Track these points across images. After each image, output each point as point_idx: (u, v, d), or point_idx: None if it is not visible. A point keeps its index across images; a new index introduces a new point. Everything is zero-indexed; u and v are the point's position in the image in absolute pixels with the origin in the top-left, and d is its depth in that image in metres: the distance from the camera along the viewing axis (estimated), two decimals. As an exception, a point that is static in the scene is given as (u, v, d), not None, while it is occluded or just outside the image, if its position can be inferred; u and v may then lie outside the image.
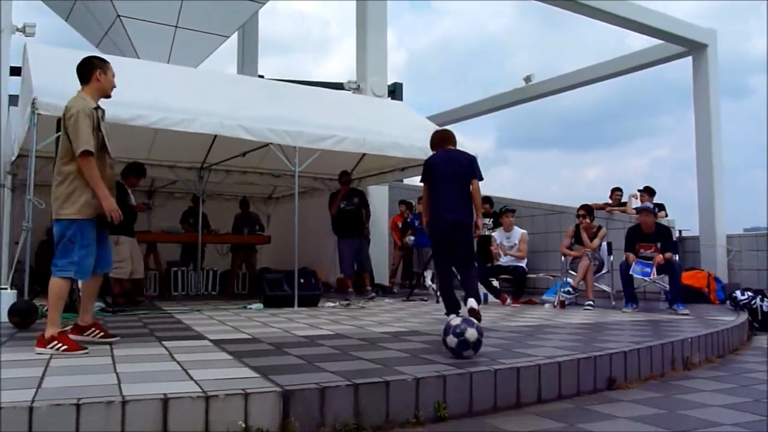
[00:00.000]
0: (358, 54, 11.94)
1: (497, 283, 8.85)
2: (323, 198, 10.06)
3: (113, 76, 4.23)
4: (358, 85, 11.67)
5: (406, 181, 12.36)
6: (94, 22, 12.97)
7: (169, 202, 11.80)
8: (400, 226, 11.79)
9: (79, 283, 4.96)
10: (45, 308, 5.55)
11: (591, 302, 7.74)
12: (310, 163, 7.71)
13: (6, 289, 6.00)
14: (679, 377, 4.21)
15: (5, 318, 5.29)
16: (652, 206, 8.24)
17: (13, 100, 8.48)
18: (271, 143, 7.44)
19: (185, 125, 6.73)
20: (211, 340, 4.45)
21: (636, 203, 10.05)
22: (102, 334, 4.28)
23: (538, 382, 3.44)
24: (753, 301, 7.50)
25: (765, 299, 7.44)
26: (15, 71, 8.70)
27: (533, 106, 17.13)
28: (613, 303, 7.88)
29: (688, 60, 12.44)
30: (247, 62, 17.90)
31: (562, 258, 8.52)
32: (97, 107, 4.08)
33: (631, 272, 7.33)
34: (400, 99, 16.79)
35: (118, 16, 12.13)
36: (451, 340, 3.54)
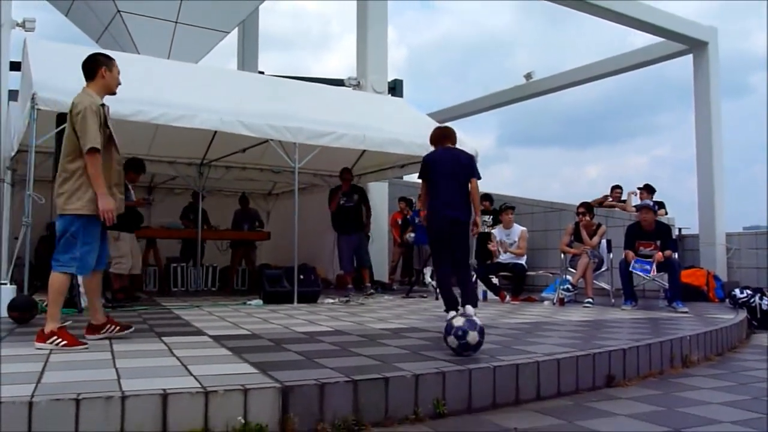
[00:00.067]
0: (358, 50, 11.92)
1: (497, 280, 8.86)
2: (323, 194, 10.06)
3: (118, 73, 4.23)
4: (359, 82, 11.67)
5: (406, 177, 12.36)
6: (94, 17, 12.96)
7: (169, 197, 11.81)
8: (399, 223, 11.78)
9: (79, 278, 4.97)
10: (45, 303, 5.57)
11: (590, 300, 7.74)
12: (310, 159, 7.71)
13: (5, 284, 6.00)
14: (678, 375, 4.22)
15: (5, 313, 5.29)
16: (652, 204, 8.24)
17: (13, 95, 8.47)
18: (271, 139, 7.44)
19: (185, 121, 6.73)
20: (210, 336, 4.46)
21: (636, 200, 10.06)
22: (118, 328, 4.30)
23: (537, 379, 3.45)
24: (752, 300, 7.50)
25: (764, 297, 7.45)
26: (15, 66, 8.70)
27: (534, 103, 17.12)
28: (613, 301, 7.88)
29: (689, 58, 12.42)
30: (248, 58, 17.91)
31: (562, 255, 8.53)
32: (103, 104, 4.09)
33: (630, 269, 7.33)
34: (401, 96, 16.76)
35: (118, 11, 12.13)
36: (452, 341, 3.53)
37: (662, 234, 7.54)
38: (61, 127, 5.61)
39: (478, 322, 3.60)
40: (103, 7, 12.40)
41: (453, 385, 3.13)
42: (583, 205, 8.54)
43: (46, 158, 6.86)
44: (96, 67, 4.13)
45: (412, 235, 10.56)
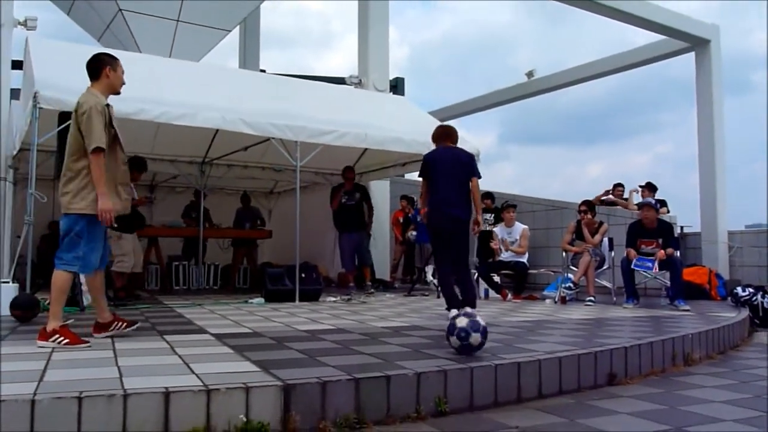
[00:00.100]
0: (360, 49, 11.92)
1: (498, 278, 8.86)
2: (325, 193, 10.06)
3: (122, 72, 4.25)
4: (360, 80, 11.66)
5: (408, 176, 12.36)
6: (95, 16, 12.97)
7: (171, 196, 11.81)
8: (401, 221, 11.78)
9: (82, 277, 4.98)
10: (47, 302, 5.58)
11: (592, 298, 7.74)
12: (311, 157, 7.71)
13: (8, 282, 6.01)
14: (679, 373, 4.21)
15: (7, 311, 5.29)
16: (653, 202, 8.24)
17: (15, 93, 8.47)
18: (272, 138, 7.44)
19: (187, 119, 6.73)
20: (212, 334, 4.46)
21: (637, 198, 10.05)
22: (125, 324, 4.32)
23: (539, 378, 3.45)
24: (754, 298, 7.50)
25: (766, 296, 7.45)
26: (17, 65, 8.70)
27: (536, 101, 17.11)
28: (614, 299, 7.88)
29: (691, 55, 12.41)
30: (249, 56, 17.91)
31: (564, 254, 8.53)
32: (108, 104, 4.10)
33: (633, 266, 7.33)
34: (402, 94, 16.73)
35: (120, 10, 12.13)
36: (455, 341, 3.53)
37: (664, 232, 7.53)
38: (63, 125, 5.63)
39: (482, 323, 3.56)
40: (104, 5, 12.41)
41: (455, 383, 3.13)
42: (585, 203, 8.54)
43: (48, 157, 6.87)
44: (100, 67, 4.14)
45: (414, 233, 10.56)
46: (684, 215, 10.90)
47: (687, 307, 6.94)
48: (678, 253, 7.59)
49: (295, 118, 7.52)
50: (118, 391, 2.53)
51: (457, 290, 5.64)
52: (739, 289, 7.84)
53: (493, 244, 9.02)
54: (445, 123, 6.66)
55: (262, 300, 7.47)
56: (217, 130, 8.05)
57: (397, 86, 16.77)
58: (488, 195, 10.59)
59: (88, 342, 3.85)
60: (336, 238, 9.49)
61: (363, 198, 9.24)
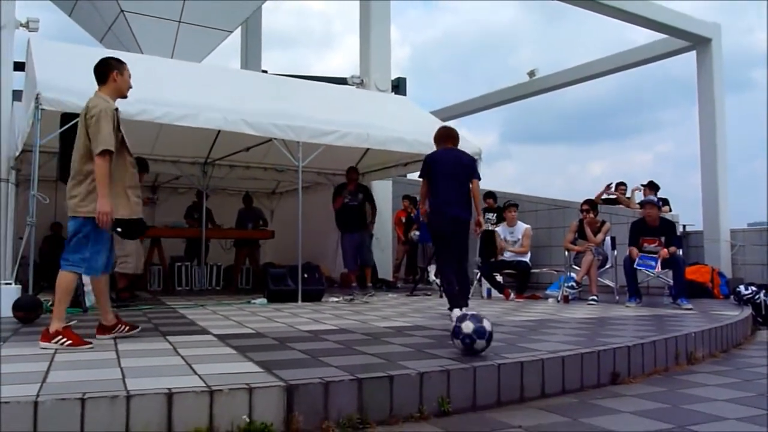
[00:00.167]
0: (361, 49, 11.92)
1: (501, 278, 8.85)
2: (327, 193, 10.06)
3: (129, 76, 4.28)
4: (362, 80, 11.65)
5: (410, 176, 12.36)
6: (97, 17, 12.98)
7: (173, 197, 11.83)
8: (403, 221, 11.78)
9: (85, 278, 4.98)
10: (50, 303, 5.59)
11: (595, 297, 7.74)
12: (313, 158, 7.71)
13: (10, 284, 6.02)
14: (682, 372, 4.21)
15: (10, 313, 5.30)
16: (656, 199, 8.23)
17: (17, 95, 8.48)
18: (274, 138, 7.44)
19: (189, 120, 6.74)
20: (215, 335, 4.46)
21: (639, 196, 10.04)
22: (128, 328, 4.35)
23: (542, 377, 3.44)
24: (757, 296, 7.49)
25: (769, 294, 7.43)
26: (18, 66, 8.71)
27: (537, 100, 17.08)
28: (617, 298, 7.87)
29: (692, 54, 12.39)
30: (251, 57, 17.92)
31: (566, 253, 8.52)
32: (116, 108, 4.14)
33: (635, 265, 7.32)
34: (404, 94, 16.77)
35: (122, 11, 12.15)
36: (458, 344, 3.52)
37: (667, 230, 7.52)
38: (66, 127, 5.64)
39: (488, 328, 3.49)
40: (106, 7, 12.42)
41: (458, 383, 3.13)
42: (587, 202, 8.54)
43: (50, 158, 6.88)
44: (107, 71, 4.17)
45: (417, 233, 10.56)
46: (686, 214, 10.90)
47: (690, 306, 6.93)
48: (680, 252, 7.58)
49: (296, 118, 7.53)
50: (121, 392, 2.53)
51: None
52: (741, 288, 7.83)
53: (500, 243, 9.01)
54: (447, 124, 6.69)
55: (264, 300, 7.47)
56: (219, 131, 8.06)
57: (398, 86, 16.82)
58: (490, 194, 10.60)
59: (90, 343, 3.85)
60: (338, 239, 9.49)
61: (366, 198, 9.24)
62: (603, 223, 8.41)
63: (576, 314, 6.26)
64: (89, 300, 5.99)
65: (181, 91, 7.35)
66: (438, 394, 3.05)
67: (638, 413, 3.07)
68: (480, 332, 3.44)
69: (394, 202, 12.35)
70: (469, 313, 3.53)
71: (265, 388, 2.70)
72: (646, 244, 7.45)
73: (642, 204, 8.02)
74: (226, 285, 10.77)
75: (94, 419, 2.43)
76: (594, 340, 4.25)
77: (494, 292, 8.64)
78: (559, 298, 8.01)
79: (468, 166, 5.77)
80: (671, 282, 7.47)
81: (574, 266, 8.31)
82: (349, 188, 9.10)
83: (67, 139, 5.65)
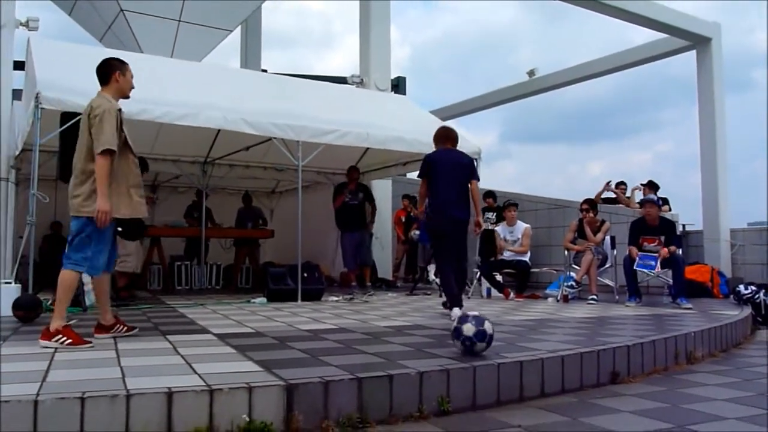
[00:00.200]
0: (361, 48, 11.92)
1: (500, 277, 8.85)
2: (326, 192, 10.06)
3: (131, 77, 4.31)
4: (362, 80, 11.66)
5: (410, 175, 12.36)
6: (97, 16, 12.98)
7: (173, 196, 11.83)
8: (403, 220, 11.78)
9: (86, 278, 4.99)
10: (49, 303, 5.60)
11: (594, 296, 7.74)
12: (313, 157, 7.71)
13: (10, 283, 6.02)
14: (682, 371, 4.21)
15: (10, 312, 5.30)
16: (656, 198, 8.23)
17: (17, 94, 8.49)
18: (274, 137, 7.44)
19: (189, 120, 6.74)
20: (215, 334, 4.46)
21: (639, 196, 10.04)
22: (126, 328, 4.36)
23: (542, 376, 3.45)
24: (756, 296, 7.49)
25: (769, 293, 7.43)
26: (18, 66, 8.72)
27: (537, 100, 17.08)
28: (617, 297, 7.87)
29: (692, 54, 12.39)
30: (251, 56, 17.92)
31: (566, 252, 8.52)
32: (120, 108, 4.16)
33: (635, 267, 7.31)
34: (404, 93, 16.77)
35: (122, 10, 12.15)
36: (459, 345, 3.52)
37: (666, 229, 7.52)
38: (66, 126, 5.64)
39: (489, 331, 3.47)
40: (106, 6, 12.42)
41: (457, 382, 3.13)
42: (587, 201, 8.54)
43: (50, 157, 6.88)
44: (110, 72, 4.20)
45: (417, 232, 10.54)
46: (685, 213, 10.90)
47: (689, 305, 6.94)
48: (680, 251, 7.58)
49: (296, 117, 7.53)
50: (121, 391, 2.53)
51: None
52: (741, 287, 7.83)
53: (500, 243, 9.01)
54: (446, 125, 6.72)
55: (264, 300, 7.47)
56: (219, 130, 8.06)
57: (398, 86, 16.82)
58: (490, 194, 10.60)
59: (90, 342, 3.86)
60: (338, 238, 9.49)
61: (366, 198, 9.24)
62: (603, 222, 8.41)
63: (576, 314, 6.26)
64: (89, 299, 6.00)
65: (181, 90, 7.35)
66: (438, 393, 3.05)
67: (638, 413, 3.08)
68: (481, 335, 3.44)
69: (393, 202, 12.35)
70: (471, 314, 3.52)
71: (264, 388, 2.70)
72: (645, 244, 7.45)
73: (642, 203, 8.02)
74: (226, 284, 10.77)
75: (94, 418, 2.43)
76: (593, 339, 4.25)
77: (494, 292, 8.64)
78: (558, 298, 8.02)
79: (467, 167, 5.85)
80: (671, 281, 7.47)
81: (574, 266, 8.31)
82: (349, 187, 9.09)
83: (67, 138, 5.65)
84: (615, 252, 8.21)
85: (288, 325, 5.11)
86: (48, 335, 3.77)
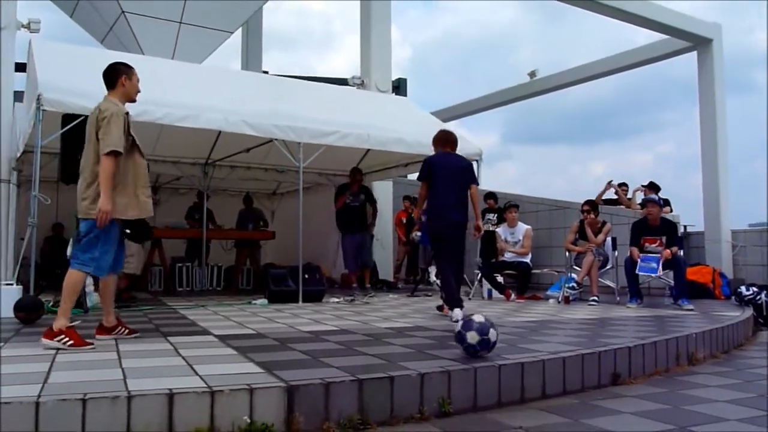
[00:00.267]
0: (362, 49, 11.92)
1: (501, 278, 8.85)
2: (327, 194, 10.05)
3: (138, 81, 4.35)
4: (363, 81, 11.65)
5: (411, 176, 12.35)
6: (98, 18, 12.99)
7: (174, 197, 11.83)
8: (404, 221, 11.78)
9: (88, 279, 5.00)
10: (51, 304, 5.61)
11: (595, 298, 7.73)
12: (314, 158, 7.71)
13: (11, 284, 6.03)
14: (683, 373, 4.21)
15: (11, 313, 5.30)
16: (657, 198, 8.22)
17: (19, 96, 8.50)
18: (275, 139, 7.45)
19: (190, 121, 6.75)
20: (216, 336, 4.47)
21: (640, 197, 10.03)
22: (127, 331, 4.38)
23: (543, 378, 3.44)
24: (758, 297, 7.49)
25: (770, 295, 7.42)
26: (20, 67, 8.72)
27: (538, 101, 17.07)
28: (618, 298, 7.87)
29: (693, 55, 12.39)
30: (252, 58, 17.93)
31: (567, 253, 8.52)
32: (127, 112, 4.20)
33: (637, 271, 7.30)
34: (405, 94, 16.78)
35: (123, 12, 12.15)
36: (461, 349, 3.51)
37: (668, 230, 7.51)
38: (67, 128, 5.66)
39: (493, 339, 3.46)
40: (107, 7, 12.43)
41: (458, 383, 3.13)
42: (588, 203, 8.54)
43: (52, 159, 6.89)
44: (116, 76, 4.24)
45: (419, 234, 10.51)
46: (686, 215, 10.87)
47: (691, 307, 6.93)
48: (681, 252, 7.58)
49: (297, 119, 7.53)
50: (122, 392, 2.54)
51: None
52: (743, 288, 7.82)
53: (501, 244, 9.01)
54: (446, 128, 6.75)
55: (265, 301, 7.47)
56: (220, 132, 8.06)
57: (399, 87, 16.82)
58: (491, 195, 10.60)
59: (92, 344, 3.86)
60: (339, 239, 9.49)
61: (367, 199, 9.24)
62: (604, 223, 8.41)
63: (577, 315, 6.26)
64: (90, 300, 6.00)
65: (182, 92, 7.36)
66: (439, 394, 3.05)
67: (639, 414, 3.07)
68: (485, 344, 3.43)
69: (394, 203, 12.35)
70: (476, 322, 3.47)
71: (265, 389, 2.70)
72: (647, 244, 7.45)
73: (644, 202, 8.02)
74: (227, 286, 10.77)
75: (96, 420, 2.43)
76: (595, 340, 4.25)
77: (495, 293, 8.63)
78: (559, 299, 8.01)
79: (467, 172, 5.97)
80: (672, 283, 7.47)
81: (575, 267, 8.31)
82: (352, 189, 9.09)
83: (69, 139, 5.68)
84: (616, 253, 8.20)
85: (289, 326, 5.11)
86: (51, 334, 3.78)
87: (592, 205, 8.45)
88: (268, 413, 2.65)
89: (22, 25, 8.59)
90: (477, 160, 8.65)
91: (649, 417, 3.01)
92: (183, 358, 3.47)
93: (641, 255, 7.34)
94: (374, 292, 9.20)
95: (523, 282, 8.75)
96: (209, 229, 10.48)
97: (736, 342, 5.51)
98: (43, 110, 5.94)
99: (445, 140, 6.13)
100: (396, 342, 4.16)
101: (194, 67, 9.67)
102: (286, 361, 3.37)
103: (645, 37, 12.90)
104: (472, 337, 3.43)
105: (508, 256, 8.89)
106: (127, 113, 4.18)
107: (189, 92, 7.43)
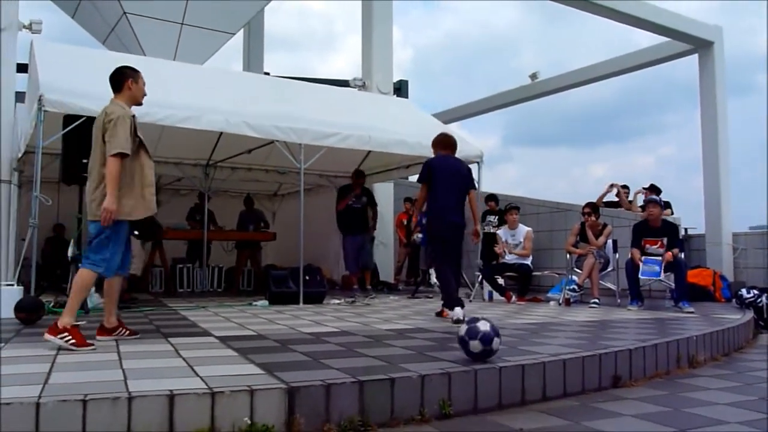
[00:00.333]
0: (363, 51, 11.93)
1: (502, 280, 8.85)
2: (328, 195, 10.06)
3: (144, 84, 4.39)
4: (364, 83, 11.67)
5: (412, 178, 12.34)
6: (100, 19, 13.01)
7: (175, 198, 11.81)
8: (405, 223, 11.78)
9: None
10: (51, 304, 5.61)
11: (596, 300, 7.73)
12: (315, 160, 7.71)
13: (12, 285, 6.03)
14: (684, 375, 4.21)
15: (12, 314, 5.31)
16: (658, 199, 8.22)
17: (20, 96, 8.51)
18: (276, 140, 7.46)
19: (191, 122, 6.75)
20: (216, 337, 4.47)
21: (641, 199, 10.03)
22: (128, 332, 4.40)
23: (543, 380, 3.44)
24: (758, 299, 7.48)
25: (771, 297, 7.42)
26: (22, 68, 8.74)
27: (539, 103, 17.08)
28: (619, 301, 7.86)
29: (695, 57, 12.39)
30: (253, 59, 17.94)
31: (568, 256, 8.51)
32: (133, 114, 4.24)
33: (640, 275, 7.29)
34: (406, 96, 16.80)
35: (125, 13, 12.17)
36: (463, 353, 3.50)
37: (669, 232, 7.51)
38: (68, 128, 5.66)
39: (495, 347, 3.45)
40: (109, 8, 12.44)
41: (459, 385, 3.13)
42: (589, 205, 8.53)
43: (53, 160, 6.90)
44: (122, 80, 4.28)
45: (420, 235, 10.52)
46: (687, 217, 10.88)
47: (691, 309, 6.93)
48: (682, 255, 7.57)
49: (298, 120, 7.54)
50: (123, 393, 2.54)
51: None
52: (743, 291, 7.82)
53: (498, 249, 9.02)
54: (446, 131, 6.77)
55: (266, 302, 7.48)
56: (221, 133, 8.07)
57: (400, 88, 16.84)
58: (492, 197, 10.60)
59: (93, 345, 3.87)
60: (340, 241, 9.49)
61: (368, 201, 9.24)
62: (605, 226, 8.41)
63: (577, 317, 6.26)
64: (91, 301, 6.01)
65: (183, 93, 7.37)
66: (439, 396, 3.05)
67: (639, 416, 3.07)
68: (487, 353, 3.41)
69: (395, 205, 12.36)
70: (481, 330, 3.42)
71: (266, 390, 2.70)
72: (648, 246, 7.45)
73: (645, 203, 8.02)
74: (228, 287, 10.77)
75: (96, 420, 2.43)
76: (595, 343, 4.25)
77: (496, 295, 8.63)
78: (560, 301, 8.01)
79: (466, 177, 6.05)
80: (673, 285, 7.46)
81: (576, 269, 8.30)
82: (355, 191, 9.09)
83: (70, 140, 5.69)
84: (617, 256, 8.19)
85: (290, 327, 5.12)
86: (55, 331, 3.79)
87: (593, 208, 8.45)
88: (269, 414, 2.65)
89: (24, 26, 8.61)
90: (478, 162, 8.66)
91: (650, 419, 3.01)
92: (184, 359, 3.47)
93: (643, 258, 7.34)
94: (375, 293, 9.20)
95: (523, 284, 8.75)
96: (210, 230, 10.48)
97: (736, 345, 5.50)
98: (45, 111, 5.95)
99: (444, 143, 6.20)
100: (396, 343, 4.16)
101: (196, 69, 9.68)
102: (286, 363, 3.37)
103: (647, 40, 12.89)
104: (474, 346, 3.41)
105: (509, 258, 8.88)
106: (134, 116, 4.23)
107: (190, 93, 7.44)
